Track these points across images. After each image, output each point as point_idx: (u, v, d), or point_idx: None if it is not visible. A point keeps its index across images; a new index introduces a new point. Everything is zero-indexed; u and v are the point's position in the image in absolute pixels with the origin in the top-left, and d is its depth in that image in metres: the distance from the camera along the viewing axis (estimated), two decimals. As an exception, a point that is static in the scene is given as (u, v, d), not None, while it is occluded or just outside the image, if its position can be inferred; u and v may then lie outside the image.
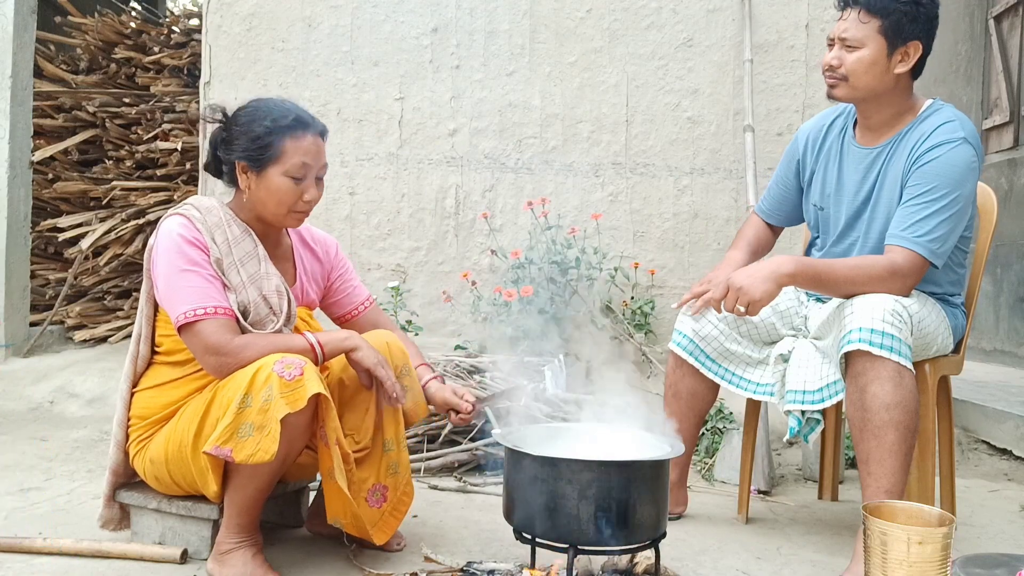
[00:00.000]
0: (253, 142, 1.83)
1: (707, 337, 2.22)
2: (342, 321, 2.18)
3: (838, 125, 2.20)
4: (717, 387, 2.28)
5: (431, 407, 2.08)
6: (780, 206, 2.34)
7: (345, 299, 2.16)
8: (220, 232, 1.84)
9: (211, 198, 1.93)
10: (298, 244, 2.07)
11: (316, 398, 1.69)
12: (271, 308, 1.85)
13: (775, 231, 2.40)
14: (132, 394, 1.93)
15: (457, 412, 2.03)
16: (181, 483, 1.86)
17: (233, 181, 1.91)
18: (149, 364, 1.95)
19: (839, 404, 2.53)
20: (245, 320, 1.82)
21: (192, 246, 1.80)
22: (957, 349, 2.20)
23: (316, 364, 1.78)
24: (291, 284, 1.99)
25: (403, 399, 1.89)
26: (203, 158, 2.02)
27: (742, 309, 1.88)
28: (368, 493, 1.94)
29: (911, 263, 1.91)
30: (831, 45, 2.04)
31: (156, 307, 1.89)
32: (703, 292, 2.02)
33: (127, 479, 1.99)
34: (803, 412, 2.07)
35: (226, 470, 1.78)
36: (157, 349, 1.93)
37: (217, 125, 1.92)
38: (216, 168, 1.95)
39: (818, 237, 2.28)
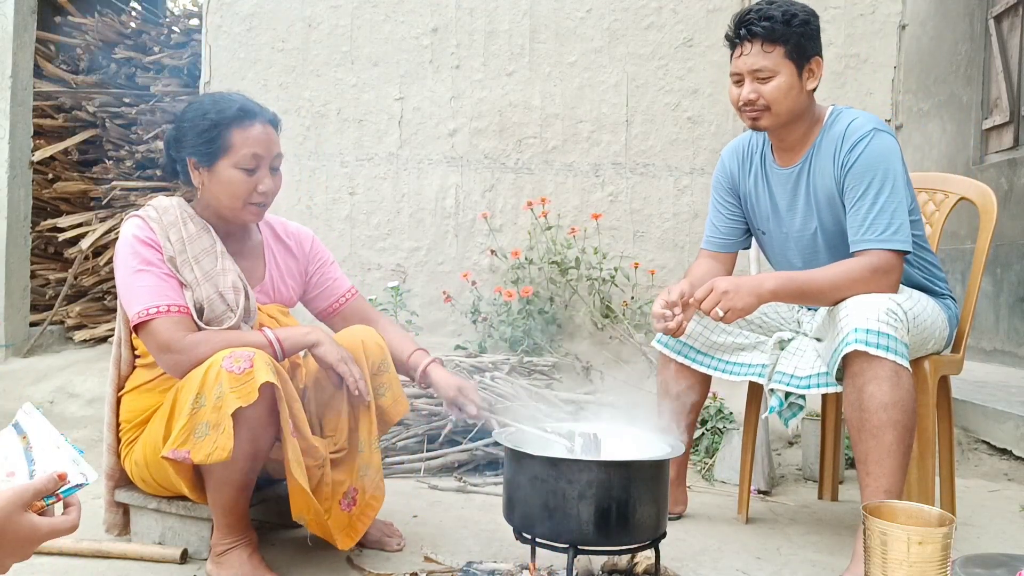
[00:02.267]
0: (200, 136, 1.81)
1: (692, 333, 2.23)
2: (326, 315, 2.13)
3: (756, 149, 2.23)
4: (708, 380, 2.29)
5: (432, 392, 2.01)
6: (731, 230, 2.31)
7: (326, 291, 2.12)
8: (175, 230, 1.83)
9: (173, 197, 1.92)
10: (270, 240, 2.04)
11: (271, 389, 1.66)
12: (227, 304, 1.82)
13: (727, 264, 2.34)
14: (119, 398, 1.93)
15: (460, 409, 1.96)
16: (164, 484, 1.86)
17: (189, 180, 1.89)
18: (134, 367, 1.95)
19: (838, 404, 2.55)
20: (202, 317, 1.80)
21: (146, 246, 1.79)
22: (956, 346, 2.20)
23: (277, 360, 1.76)
24: (260, 281, 1.97)
25: (367, 396, 1.85)
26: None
27: (720, 314, 1.88)
28: (342, 496, 1.91)
29: (888, 260, 1.93)
30: (738, 81, 2.06)
31: None
32: (662, 315, 1.99)
33: (125, 482, 2.00)
34: (787, 395, 2.10)
35: (201, 472, 1.77)
36: (136, 352, 1.93)
37: (170, 126, 1.91)
38: (171, 168, 1.92)
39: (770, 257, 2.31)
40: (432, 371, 2.01)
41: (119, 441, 1.94)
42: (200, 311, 1.80)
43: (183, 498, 1.91)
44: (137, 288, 1.77)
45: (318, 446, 1.81)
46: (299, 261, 2.09)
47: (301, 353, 1.89)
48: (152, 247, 1.80)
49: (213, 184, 1.84)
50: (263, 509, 2.08)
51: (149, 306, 1.74)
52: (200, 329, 1.78)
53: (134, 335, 1.89)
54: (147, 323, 1.74)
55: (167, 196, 1.93)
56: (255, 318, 1.88)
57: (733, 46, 2.08)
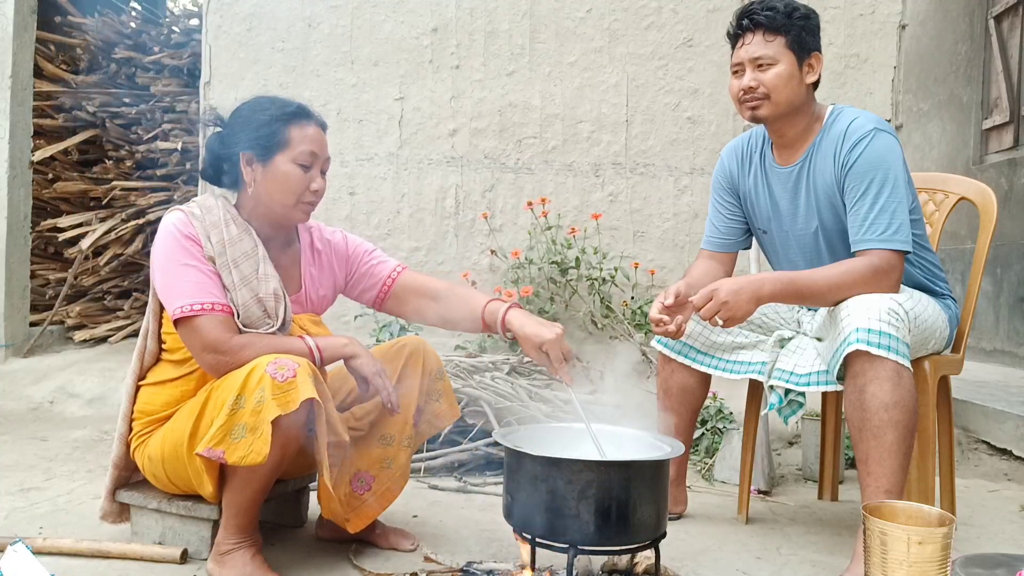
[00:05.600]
0: (258, 130, 1.81)
1: (691, 333, 2.23)
2: (379, 302, 2.08)
3: (756, 148, 2.23)
4: (708, 379, 2.29)
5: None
6: (731, 230, 2.31)
7: (373, 280, 2.07)
8: (216, 232, 1.81)
9: (216, 198, 1.89)
10: (307, 248, 2.03)
11: (311, 403, 1.68)
12: (266, 311, 1.81)
13: (726, 264, 2.33)
14: (138, 388, 1.93)
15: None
16: (177, 483, 1.86)
17: (235, 180, 1.88)
18: (159, 360, 1.94)
19: (838, 404, 2.55)
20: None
21: (189, 240, 1.78)
22: (956, 346, 2.20)
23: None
24: (296, 291, 1.96)
25: (397, 409, 1.86)
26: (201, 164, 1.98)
27: (719, 323, 1.89)
28: (353, 476, 1.97)
29: (889, 260, 1.93)
30: (738, 72, 2.08)
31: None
32: (659, 320, 2.00)
33: (129, 473, 2.00)
34: (786, 392, 2.11)
35: (223, 471, 1.78)
36: (163, 346, 1.93)
37: (215, 129, 1.90)
38: (215, 169, 1.90)
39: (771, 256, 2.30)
40: (511, 319, 1.88)
41: (131, 431, 1.94)
42: (235, 315, 1.80)
43: (184, 498, 1.91)
44: (182, 282, 1.75)
45: (347, 440, 1.85)
46: (336, 268, 2.06)
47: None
48: (195, 242, 1.79)
49: (267, 180, 1.83)
50: (264, 509, 2.08)
51: (194, 302, 1.73)
52: (240, 332, 1.78)
53: (164, 328, 1.89)
54: (191, 319, 1.73)
55: (210, 195, 1.90)
56: (290, 327, 1.88)
57: (735, 40, 2.09)
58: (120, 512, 2.01)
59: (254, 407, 1.63)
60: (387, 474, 2.00)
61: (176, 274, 1.77)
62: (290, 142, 1.81)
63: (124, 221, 4.86)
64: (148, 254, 1.90)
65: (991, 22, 5.39)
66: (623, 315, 3.72)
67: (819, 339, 2.14)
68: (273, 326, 1.81)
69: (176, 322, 1.76)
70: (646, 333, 3.66)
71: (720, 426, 3.05)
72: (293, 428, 1.70)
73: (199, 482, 1.78)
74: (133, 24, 5.19)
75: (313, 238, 2.05)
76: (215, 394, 1.74)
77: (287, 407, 1.63)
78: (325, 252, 2.05)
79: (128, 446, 1.95)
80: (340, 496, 1.92)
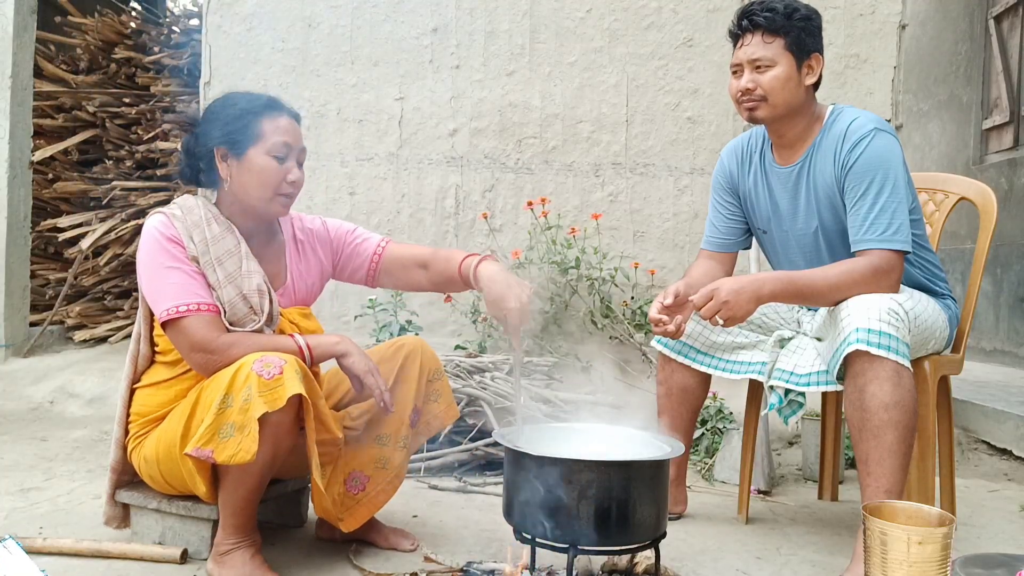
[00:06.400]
0: (230, 125, 1.82)
1: (691, 333, 2.23)
2: (370, 279, 2.09)
3: (755, 148, 2.23)
4: (708, 379, 2.29)
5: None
6: (731, 230, 2.31)
7: (360, 260, 2.08)
8: (198, 231, 1.82)
9: (197, 197, 1.90)
10: (291, 240, 2.03)
11: (299, 399, 1.67)
12: (251, 307, 1.81)
13: (726, 264, 2.33)
14: (132, 392, 1.93)
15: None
16: (173, 483, 1.86)
17: (212, 178, 1.88)
18: (152, 363, 1.94)
19: (838, 404, 2.55)
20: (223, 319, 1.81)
21: (171, 243, 1.79)
22: (956, 346, 2.20)
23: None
24: (283, 284, 1.96)
25: (391, 407, 1.87)
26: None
27: (720, 322, 1.89)
28: (348, 476, 1.97)
29: (889, 260, 1.93)
30: (737, 73, 2.08)
31: None
32: (658, 320, 2.01)
33: (128, 477, 2.00)
34: (786, 392, 2.11)
35: (217, 471, 1.77)
36: (156, 348, 1.93)
37: (191, 129, 1.91)
38: (192, 168, 1.90)
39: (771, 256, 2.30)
40: (480, 272, 1.88)
41: (127, 434, 1.94)
42: (221, 314, 1.80)
43: (184, 498, 1.91)
44: (167, 284, 1.76)
45: (340, 437, 1.86)
46: (321, 255, 2.06)
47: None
48: (177, 244, 1.79)
49: (243, 174, 1.82)
50: (264, 509, 2.08)
51: (179, 303, 1.74)
52: (228, 330, 1.78)
53: (156, 331, 1.89)
54: (178, 320, 1.74)
55: (191, 195, 1.91)
56: (278, 322, 1.87)
57: (735, 40, 2.09)
58: (123, 517, 2.01)
59: (241, 405, 1.63)
60: (382, 475, 1.99)
61: (161, 277, 1.77)
62: (263, 134, 1.81)
63: (124, 221, 4.86)
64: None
65: (991, 22, 5.39)
66: (623, 315, 3.72)
67: (819, 339, 2.14)
68: (259, 322, 1.81)
69: (164, 324, 1.77)
70: (646, 333, 3.66)
71: (720, 426, 3.05)
72: (282, 425, 1.69)
73: (192, 482, 1.78)
74: (133, 24, 5.19)
75: (295, 229, 2.04)
76: (204, 394, 1.74)
77: (274, 404, 1.63)
78: (308, 241, 2.05)
79: (125, 450, 1.95)
80: (334, 495, 1.92)
